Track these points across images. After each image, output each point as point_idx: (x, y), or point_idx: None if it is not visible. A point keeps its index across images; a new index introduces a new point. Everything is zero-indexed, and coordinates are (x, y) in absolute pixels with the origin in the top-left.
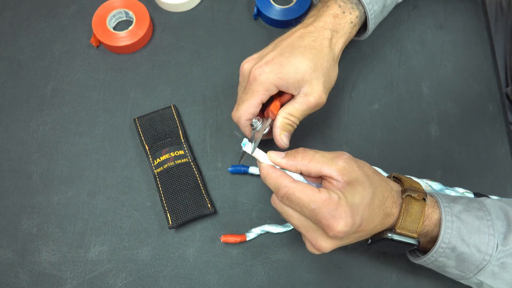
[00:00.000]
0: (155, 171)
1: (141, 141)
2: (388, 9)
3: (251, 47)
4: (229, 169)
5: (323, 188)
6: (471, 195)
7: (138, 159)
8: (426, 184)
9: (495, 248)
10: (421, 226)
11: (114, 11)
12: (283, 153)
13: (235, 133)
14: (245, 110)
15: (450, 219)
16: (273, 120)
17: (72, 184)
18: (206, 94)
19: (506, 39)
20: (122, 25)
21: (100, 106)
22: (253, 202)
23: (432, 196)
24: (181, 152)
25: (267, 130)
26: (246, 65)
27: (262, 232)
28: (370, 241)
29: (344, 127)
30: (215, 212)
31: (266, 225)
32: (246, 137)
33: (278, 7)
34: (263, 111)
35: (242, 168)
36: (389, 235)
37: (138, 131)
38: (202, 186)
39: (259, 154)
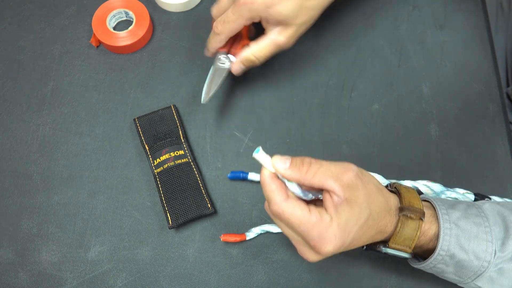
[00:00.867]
0: (155, 171)
1: (141, 141)
2: None
3: None
4: (228, 175)
5: (314, 208)
6: (471, 196)
7: (138, 159)
8: (426, 187)
9: (493, 255)
10: (416, 242)
11: (114, 11)
12: (288, 161)
13: (235, 133)
14: (229, 29)
15: (448, 227)
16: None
17: (72, 184)
18: None
19: (506, 39)
20: (122, 25)
21: (100, 106)
22: (253, 202)
23: (430, 203)
24: (181, 152)
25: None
26: None
27: (262, 232)
28: (365, 248)
29: (344, 127)
30: (215, 212)
31: (266, 224)
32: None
33: None
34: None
35: (241, 174)
36: (383, 248)
37: (138, 131)
38: (202, 186)
39: (262, 157)
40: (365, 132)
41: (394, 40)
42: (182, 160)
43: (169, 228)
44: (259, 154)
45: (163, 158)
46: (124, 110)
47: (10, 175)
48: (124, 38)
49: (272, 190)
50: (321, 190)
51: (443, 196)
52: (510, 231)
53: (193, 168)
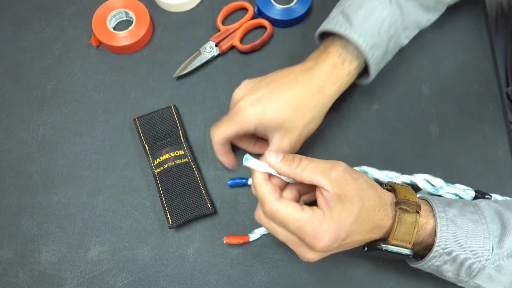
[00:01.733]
0: (155, 171)
1: (141, 141)
2: (391, 53)
3: None
4: (227, 183)
5: (306, 206)
6: (472, 192)
7: (138, 159)
8: (425, 182)
9: (491, 251)
10: (415, 237)
11: (114, 11)
12: (280, 156)
13: None
14: (221, 133)
15: (445, 224)
16: None
17: (72, 184)
18: (206, 94)
19: (506, 39)
20: (122, 25)
21: (100, 106)
22: (253, 202)
23: (426, 201)
24: (181, 152)
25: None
26: (238, 92)
27: (265, 233)
28: (366, 249)
29: (344, 127)
30: (215, 212)
31: None
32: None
33: (278, 6)
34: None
35: (241, 180)
36: (383, 245)
37: (138, 131)
38: (202, 186)
39: (252, 162)
40: (365, 132)
41: None
42: (182, 160)
43: (169, 228)
44: (249, 161)
45: (163, 158)
46: (124, 110)
47: (10, 175)
48: (124, 38)
49: (266, 190)
50: (314, 188)
51: (442, 191)
52: (507, 228)
53: (193, 168)
